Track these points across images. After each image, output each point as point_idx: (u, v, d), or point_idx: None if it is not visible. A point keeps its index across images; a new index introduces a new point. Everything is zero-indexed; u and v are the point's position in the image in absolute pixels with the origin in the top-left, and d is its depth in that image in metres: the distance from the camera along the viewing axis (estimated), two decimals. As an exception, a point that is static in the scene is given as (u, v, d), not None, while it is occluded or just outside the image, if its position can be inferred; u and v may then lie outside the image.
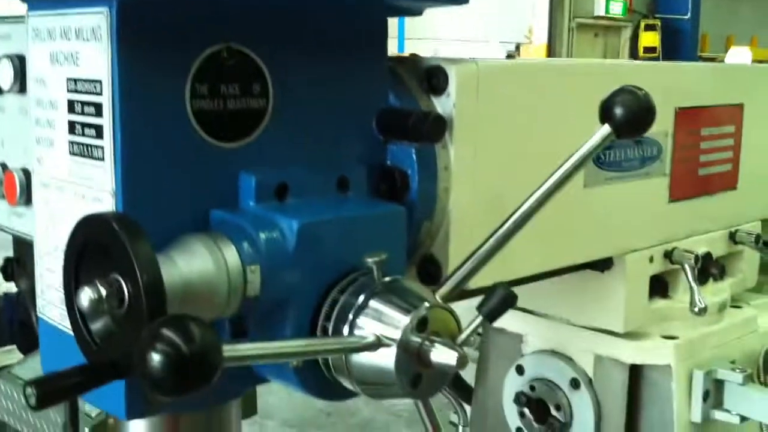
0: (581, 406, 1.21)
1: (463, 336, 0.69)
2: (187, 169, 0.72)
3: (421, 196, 0.86)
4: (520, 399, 1.26)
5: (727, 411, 1.17)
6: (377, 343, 0.68)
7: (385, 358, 0.68)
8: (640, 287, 1.15)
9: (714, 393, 1.17)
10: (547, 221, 1.00)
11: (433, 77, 0.88)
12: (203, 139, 0.72)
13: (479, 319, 0.68)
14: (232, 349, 0.52)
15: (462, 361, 0.67)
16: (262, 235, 0.70)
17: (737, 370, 1.15)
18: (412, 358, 0.68)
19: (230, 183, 0.75)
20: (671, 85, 1.15)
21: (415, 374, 0.69)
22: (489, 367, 1.35)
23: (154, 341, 0.47)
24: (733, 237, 1.27)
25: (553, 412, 1.23)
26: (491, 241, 0.73)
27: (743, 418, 1.16)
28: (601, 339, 1.19)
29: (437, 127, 0.81)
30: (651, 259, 1.14)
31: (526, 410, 1.26)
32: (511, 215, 0.73)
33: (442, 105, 0.88)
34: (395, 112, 0.84)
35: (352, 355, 0.69)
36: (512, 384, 1.29)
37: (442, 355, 0.68)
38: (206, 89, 0.72)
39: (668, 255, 1.16)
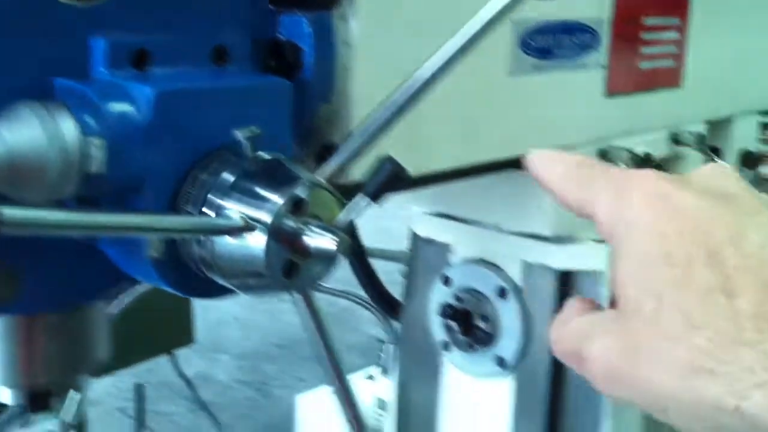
0: (508, 316, 1.14)
1: (342, 217, 0.60)
2: (23, 30, 0.60)
3: (317, 74, 0.75)
4: (445, 311, 1.18)
5: (662, 319, 1.10)
6: (244, 227, 0.58)
7: (255, 244, 0.59)
8: (571, 188, 1.06)
9: (649, 301, 1.10)
10: (467, 110, 0.91)
11: (329, -64, 0.77)
12: (39, -8, 0.61)
13: (363, 197, 0.59)
14: (17, 213, 0.42)
15: (342, 246, 0.58)
16: (110, 104, 0.60)
17: (673, 276, 1.08)
18: (285, 243, 0.59)
19: (79, 49, 0.63)
20: (608, -33, 1.05)
21: (288, 262, 0.60)
22: (416, 280, 1.27)
23: None
24: (675, 138, 1.19)
25: (480, 323, 1.16)
26: (383, 110, 0.63)
27: (678, 327, 1.09)
28: (530, 245, 1.11)
29: (330, -11, 0.71)
30: (583, 158, 1.06)
31: (452, 323, 1.19)
32: (407, 81, 0.63)
33: (339, -31, 0.77)
34: (282, -27, 0.73)
35: (217, 242, 0.60)
36: (438, 296, 1.22)
37: (319, 239, 0.59)
38: (39, -70, 0.60)
39: (603, 154, 1.08)
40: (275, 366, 4.52)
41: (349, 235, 0.61)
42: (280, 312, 5.10)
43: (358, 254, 1.23)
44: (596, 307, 0.50)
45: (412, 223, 1.26)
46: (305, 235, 0.59)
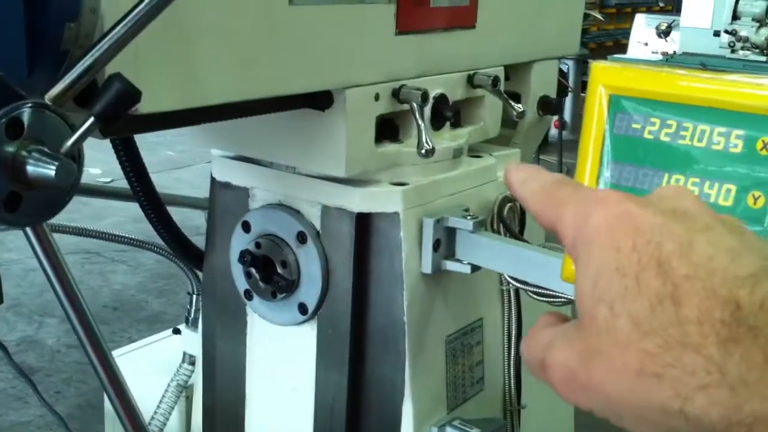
0: (308, 261, 1.11)
1: (68, 144, 0.54)
2: None
3: (59, -9, 0.68)
4: (244, 258, 1.14)
5: (459, 261, 1.11)
6: (-50, 153, 0.52)
7: (-35, 173, 0.52)
8: (365, 127, 1.04)
9: (446, 242, 1.11)
10: (245, 40, 0.86)
11: None
12: None
13: (90, 120, 0.53)
14: None
15: (65, 173, 0.53)
16: None
17: (468, 217, 1.09)
18: (2, 172, 0.53)
19: None
20: None
21: (9, 193, 0.54)
22: (217, 227, 1.22)
23: None
24: (471, 80, 1.19)
25: (279, 269, 1.13)
26: (121, 27, 0.57)
27: (474, 268, 1.10)
28: (328, 187, 1.08)
29: None
30: (377, 97, 1.04)
31: (253, 270, 1.15)
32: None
33: None
34: None
35: None
36: (239, 243, 1.17)
37: (39, 167, 0.53)
38: None
39: (397, 94, 1.06)
40: (107, 328, 4.34)
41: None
42: (111, 273, 4.91)
43: (152, 202, 1.16)
44: (564, 320, 0.52)
45: (212, 168, 1.21)
46: (26, 163, 0.53)
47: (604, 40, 8.33)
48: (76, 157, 0.55)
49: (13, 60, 0.61)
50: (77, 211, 5.27)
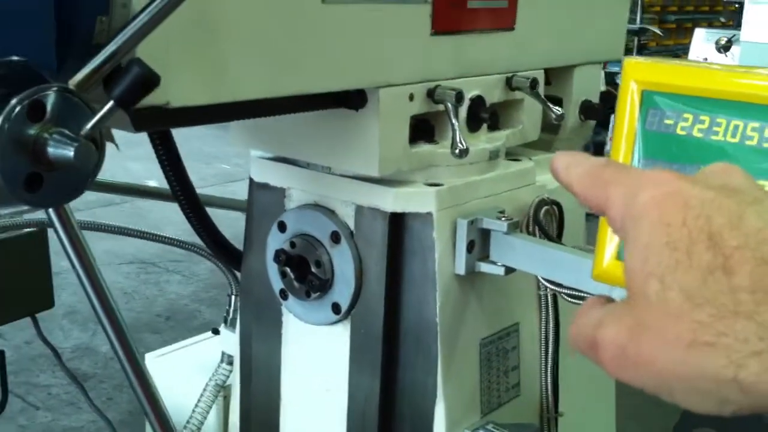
0: (341, 261, 1.11)
1: (88, 127, 0.55)
2: None
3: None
4: (278, 257, 1.15)
5: (493, 263, 1.10)
6: (-26, 133, 0.53)
7: (-11, 153, 0.54)
8: (399, 127, 1.04)
9: (480, 244, 1.10)
10: (277, 37, 0.87)
11: None
12: None
13: (110, 103, 0.54)
14: None
15: (83, 155, 0.54)
16: None
17: (503, 219, 1.08)
18: (24, 153, 0.54)
19: None
20: None
21: (30, 174, 0.55)
22: (254, 228, 1.24)
23: None
24: (509, 82, 1.18)
25: (313, 269, 1.13)
26: (144, 14, 0.58)
27: (508, 270, 1.09)
28: (362, 187, 1.09)
29: None
30: (411, 97, 1.04)
31: (288, 269, 1.16)
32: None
33: None
34: None
35: (-51, 151, 0.54)
36: (274, 242, 1.18)
37: (58, 148, 0.54)
38: None
39: (431, 94, 1.06)
40: (158, 337, 4.41)
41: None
42: (166, 283, 4.98)
43: (191, 202, 1.18)
44: (611, 301, 0.52)
45: (250, 169, 1.22)
46: (47, 144, 0.55)
47: (663, 55, 8.22)
48: (97, 140, 0.56)
49: (42, 53, 0.62)
50: (136, 224, 5.40)
